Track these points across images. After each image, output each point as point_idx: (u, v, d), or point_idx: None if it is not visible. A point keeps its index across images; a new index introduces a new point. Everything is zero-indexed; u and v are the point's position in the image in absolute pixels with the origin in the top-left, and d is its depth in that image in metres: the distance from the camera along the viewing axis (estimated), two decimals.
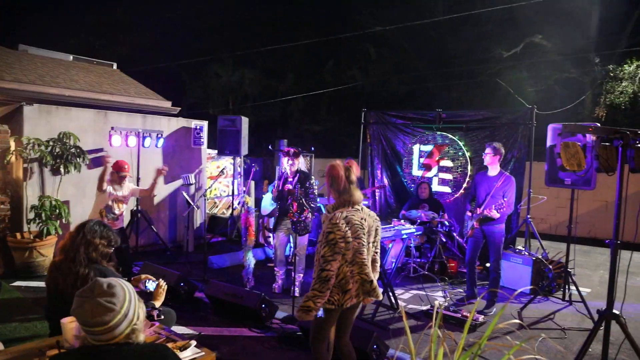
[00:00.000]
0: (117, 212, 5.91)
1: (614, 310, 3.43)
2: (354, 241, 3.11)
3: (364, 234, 3.17)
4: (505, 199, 5.31)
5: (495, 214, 5.33)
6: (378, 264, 3.42)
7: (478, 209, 5.54)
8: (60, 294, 3.05)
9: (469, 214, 5.74)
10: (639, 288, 6.84)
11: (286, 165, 5.98)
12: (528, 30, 16.55)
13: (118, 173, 6.01)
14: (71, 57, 11.39)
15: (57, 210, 6.67)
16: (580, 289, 5.58)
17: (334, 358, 3.47)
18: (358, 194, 3.26)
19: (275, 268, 6.30)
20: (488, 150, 5.58)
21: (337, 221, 3.09)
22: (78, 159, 7.13)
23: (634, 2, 14.71)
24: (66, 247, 3.16)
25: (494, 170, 5.60)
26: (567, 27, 15.60)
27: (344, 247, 3.08)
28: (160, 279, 3.38)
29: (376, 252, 3.38)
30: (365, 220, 3.22)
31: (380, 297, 3.34)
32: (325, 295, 3.07)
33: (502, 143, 7.30)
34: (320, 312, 3.17)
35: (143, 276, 3.41)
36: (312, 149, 8.40)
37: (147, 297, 3.02)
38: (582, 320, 5.40)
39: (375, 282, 3.24)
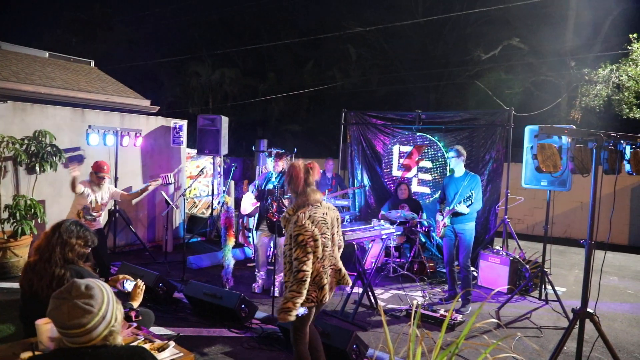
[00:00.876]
0: (95, 213, 5.78)
1: (588, 309, 3.51)
2: (321, 237, 3.24)
3: (327, 229, 3.32)
4: (472, 192, 5.50)
5: (464, 209, 5.52)
6: (342, 248, 3.60)
7: (447, 208, 5.73)
8: (34, 295, 3.00)
9: (439, 214, 5.91)
10: (613, 287, 7.01)
11: (270, 166, 6.08)
12: (506, 33, 16.82)
13: (97, 173, 5.79)
14: (47, 54, 11.19)
15: (32, 210, 6.53)
16: (556, 288, 5.68)
17: None
18: (316, 196, 3.36)
19: (255, 268, 6.28)
20: (452, 154, 5.82)
21: (303, 222, 3.19)
22: (54, 157, 7.00)
23: (608, 7, 15.04)
24: (41, 247, 3.10)
25: (459, 171, 5.83)
26: (544, 31, 15.91)
27: (314, 245, 3.18)
28: (139, 279, 3.33)
29: (340, 239, 3.55)
30: (326, 214, 3.35)
31: (350, 284, 3.54)
32: (303, 295, 3.13)
33: (481, 144, 7.47)
34: (305, 310, 3.21)
35: (121, 276, 3.37)
36: (295, 150, 8.39)
37: (125, 297, 2.98)
38: (557, 319, 5.51)
39: (344, 269, 3.46)
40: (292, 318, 3.12)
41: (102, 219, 6.07)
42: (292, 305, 3.10)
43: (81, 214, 5.52)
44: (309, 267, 3.15)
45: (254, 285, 6.25)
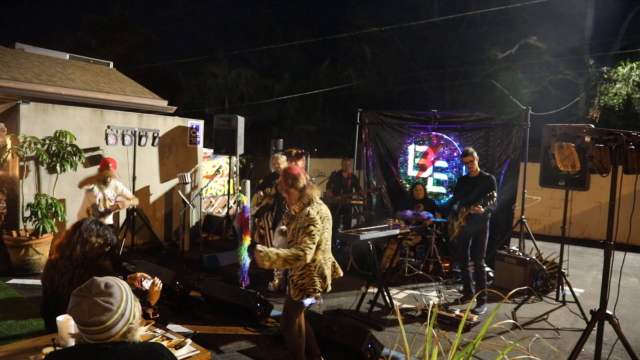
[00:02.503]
0: (102, 209, 5.87)
1: (607, 311, 3.46)
2: (324, 232, 3.51)
3: (329, 224, 3.60)
4: (488, 195, 5.49)
5: (480, 210, 5.50)
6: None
7: (464, 207, 5.71)
8: (56, 291, 3.06)
9: (453, 214, 5.91)
10: (632, 289, 6.90)
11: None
12: (523, 31, 16.64)
13: (100, 170, 5.95)
14: (67, 56, 11.37)
15: (53, 209, 6.65)
16: (574, 289, 5.62)
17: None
18: (315, 192, 3.58)
19: None
20: (468, 158, 5.80)
21: (315, 216, 3.41)
22: (74, 157, 7.11)
23: (628, 4, 14.80)
24: (62, 245, 3.17)
25: (474, 172, 5.81)
26: (561, 29, 15.71)
27: (320, 239, 3.43)
28: (156, 278, 3.38)
29: (329, 234, 3.71)
30: (326, 211, 3.61)
31: (340, 274, 3.77)
32: (285, 267, 3.40)
33: (497, 144, 7.40)
34: (312, 300, 3.53)
35: (139, 275, 3.42)
36: (315, 150, 8.44)
37: (142, 295, 3.03)
38: (575, 320, 5.44)
39: (335, 262, 3.75)
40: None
41: (118, 216, 6.12)
42: (314, 293, 3.46)
43: (90, 211, 5.62)
44: (310, 254, 3.33)
45: (270, 284, 6.29)
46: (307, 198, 3.50)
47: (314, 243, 3.35)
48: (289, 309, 3.59)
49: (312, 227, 3.36)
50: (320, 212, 3.49)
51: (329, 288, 3.58)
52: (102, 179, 5.88)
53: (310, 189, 3.55)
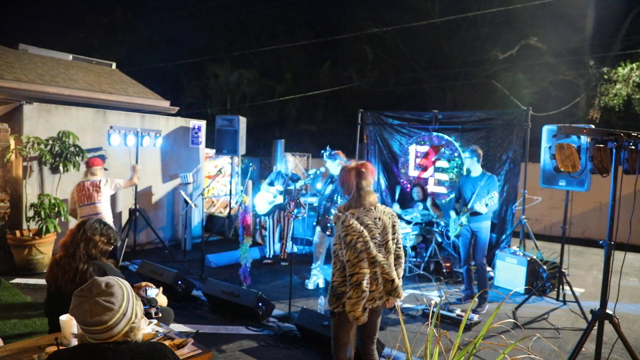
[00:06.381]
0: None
1: (608, 310, 3.47)
2: (371, 241, 3.08)
3: (379, 234, 3.14)
4: (489, 194, 5.51)
5: (482, 208, 5.53)
6: (402, 260, 3.34)
7: (465, 207, 5.74)
8: (59, 289, 3.09)
9: (453, 214, 5.93)
10: (632, 288, 6.91)
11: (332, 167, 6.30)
12: (523, 32, 16.65)
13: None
14: (70, 57, 11.40)
15: (56, 209, 6.69)
16: (574, 289, 5.63)
17: None
18: (370, 199, 3.21)
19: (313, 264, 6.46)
20: (467, 154, 5.85)
21: (350, 222, 3.07)
22: (77, 157, 7.15)
23: (628, 5, 14.81)
24: (66, 244, 3.21)
25: (476, 171, 5.83)
26: (562, 30, 15.71)
27: (365, 246, 3.05)
28: (161, 288, 3.46)
29: (399, 248, 3.31)
30: (379, 219, 3.18)
31: (402, 297, 3.26)
32: (365, 297, 3.02)
33: (498, 144, 7.42)
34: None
35: (144, 284, 3.44)
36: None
37: (147, 304, 3.07)
38: (575, 320, 5.46)
39: (397, 281, 3.18)
40: (364, 320, 3.03)
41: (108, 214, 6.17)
42: (357, 313, 3.01)
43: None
44: (363, 268, 3.02)
45: (306, 282, 6.41)
46: (356, 202, 3.24)
47: (360, 252, 3.10)
48: (332, 328, 3.25)
49: (349, 237, 3.11)
50: (362, 218, 3.18)
51: (371, 305, 3.20)
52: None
53: (362, 194, 3.26)
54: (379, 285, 3.12)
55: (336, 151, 6.40)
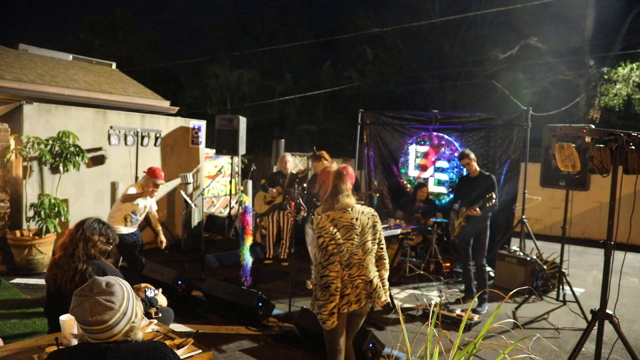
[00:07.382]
0: (140, 217, 5.75)
1: (607, 310, 3.48)
2: (346, 242, 3.04)
3: (356, 234, 3.09)
4: (488, 195, 5.51)
5: (477, 212, 5.54)
6: (386, 261, 3.28)
7: (464, 208, 5.75)
8: (58, 289, 3.09)
9: (453, 214, 5.96)
10: (632, 288, 6.91)
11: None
12: (523, 32, 16.67)
13: (156, 180, 5.60)
14: (71, 57, 11.41)
15: (56, 209, 6.69)
16: (574, 289, 5.64)
17: None
18: (345, 201, 3.16)
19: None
20: (464, 160, 5.84)
21: (324, 224, 3.05)
22: (77, 157, 7.14)
23: (628, 5, 14.82)
24: (66, 243, 3.21)
25: (474, 172, 5.85)
26: (562, 30, 15.73)
27: (337, 249, 3.01)
28: (160, 288, 3.46)
29: (381, 248, 3.24)
30: (357, 219, 3.12)
31: (384, 299, 3.18)
32: (332, 301, 2.99)
33: (498, 144, 7.42)
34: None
35: (143, 285, 3.44)
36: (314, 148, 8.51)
37: (146, 304, 3.07)
38: (575, 320, 5.46)
39: (376, 281, 3.13)
40: (331, 325, 3.01)
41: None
42: (323, 316, 2.99)
43: (128, 219, 5.56)
44: (333, 271, 2.99)
45: (307, 281, 6.40)
46: (330, 206, 3.21)
47: (331, 255, 3.07)
48: (325, 335, 3.20)
49: (321, 239, 3.09)
50: (338, 220, 3.14)
51: (345, 310, 3.11)
52: (154, 188, 5.62)
53: (339, 198, 3.21)
54: (356, 289, 3.08)
55: (320, 152, 6.48)
